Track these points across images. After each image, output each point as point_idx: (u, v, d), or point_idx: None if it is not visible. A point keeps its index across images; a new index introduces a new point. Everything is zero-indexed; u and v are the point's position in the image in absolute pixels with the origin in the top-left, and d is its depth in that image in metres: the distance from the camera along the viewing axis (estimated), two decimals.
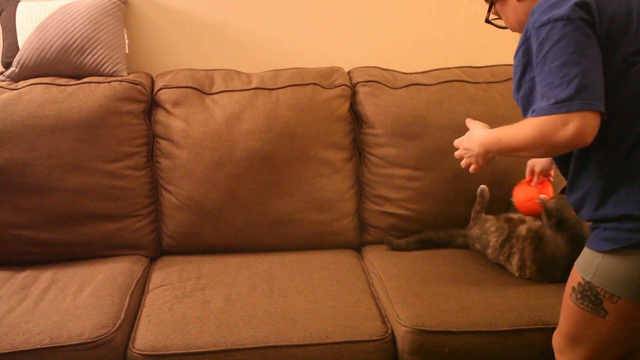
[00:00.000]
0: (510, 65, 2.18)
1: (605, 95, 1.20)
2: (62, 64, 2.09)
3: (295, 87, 2.09)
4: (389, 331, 1.64)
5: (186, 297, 1.76)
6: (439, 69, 2.23)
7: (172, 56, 2.32)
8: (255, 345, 1.57)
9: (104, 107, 1.99)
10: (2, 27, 2.18)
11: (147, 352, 1.57)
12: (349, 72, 2.22)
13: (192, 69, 2.18)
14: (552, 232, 1.75)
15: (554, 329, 1.47)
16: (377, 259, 1.99)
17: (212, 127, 2.03)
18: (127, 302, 1.73)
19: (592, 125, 1.18)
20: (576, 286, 1.32)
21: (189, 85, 2.09)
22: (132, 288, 1.81)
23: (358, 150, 2.17)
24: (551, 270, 1.76)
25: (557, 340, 1.44)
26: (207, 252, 2.07)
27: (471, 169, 1.50)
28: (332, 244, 2.12)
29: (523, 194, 1.80)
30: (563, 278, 1.70)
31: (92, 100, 1.99)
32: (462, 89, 2.13)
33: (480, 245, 1.94)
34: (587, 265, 1.30)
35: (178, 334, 1.59)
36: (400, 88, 2.13)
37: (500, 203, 2.02)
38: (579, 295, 1.31)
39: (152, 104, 2.10)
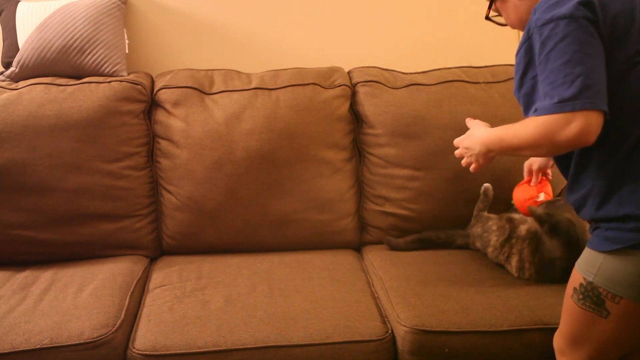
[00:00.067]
0: (511, 65, 2.18)
1: (607, 94, 1.20)
2: (62, 64, 2.09)
3: (295, 87, 2.09)
4: (389, 331, 1.64)
5: (186, 297, 1.76)
6: (439, 69, 2.23)
7: (172, 56, 2.32)
8: (255, 345, 1.57)
9: (104, 107, 1.99)
10: (2, 27, 2.18)
11: (147, 352, 1.57)
12: (349, 72, 2.22)
13: (192, 69, 2.18)
14: (547, 236, 1.76)
15: (554, 329, 1.47)
16: (377, 259, 1.99)
17: (212, 127, 2.03)
18: (127, 302, 1.73)
19: (595, 124, 1.17)
20: (578, 287, 1.31)
21: (189, 85, 2.09)
22: (132, 288, 1.81)
23: (358, 150, 2.17)
24: (549, 272, 1.76)
25: (558, 341, 1.43)
26: (207, 252, 2.07)
27: (471, 168, 1.49)
28: (332, 244, 2.12)
29: (523, 194, 1.81)
30: (563, 279, 1.71)
31: (92, 100, 1.99)
32: (462, 89, 2.13)
33: (480, 244, 1.94)
34: (589, 265, 1.29)
35: (178, 334, 1.59)
36: (400, 88, 2.13)
37: (501, 203, 2.02)
38: (581, 296, 1.30)
39: (152, 104, 2.10)
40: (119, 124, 2.02)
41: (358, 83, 2.14)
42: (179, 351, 1.56)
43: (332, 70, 2.19)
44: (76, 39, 2.08)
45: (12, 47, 2.14)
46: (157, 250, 2.12)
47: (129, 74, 2.14)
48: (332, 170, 2.10)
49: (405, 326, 1.61)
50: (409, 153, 2.08)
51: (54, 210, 1.97)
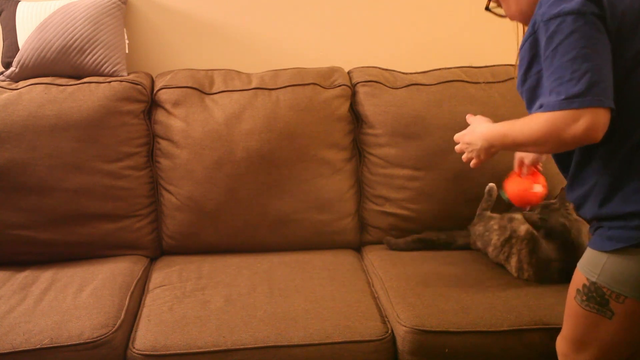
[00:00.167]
0: (511, 65, 2.19)
1: (613, 91, 1.18)
2: (62, 64, 2.09)
3: (295, 87, 2.09)
4: (389, 331, 1.64)
5: (186, 297, 1.76)
6: (439, 69, 2.23)
7: (172, 56, 2.32)
8: (255, 345, 1.57)
9: (104, 107, 1.99)
10: (2, 27, 2.18)
11: (147, 352, 1.57)
12: (349, 72, 2.22)
13: (192, 69, 2.18)
14: (543, 239, 1.76)
15: (554, 329, 1.46)
16: (377, 259, 1.99)
17: (212, 127, 2.03)
18: (127, 302, 1.73)
19: (603, 121, 1.16)
20: (581, 288, 1.30)
21: (189, 85, 2.09)
22: (132, 288, 1.81)
23: (358, 150, 2.17)
24: (546, 273, 1.76)
25: (561, 345, 1.41)
26: (207, 252, 2.07)
27: (472, 163, 1.48)
28: (332, 244, 2.12)
29: (516, 186, 1.80)
30: (560, 280, 1.71)
31: (92, 100, 1.99)
32: (462, 89, 2.13)
33: (481, 243, 1.94)
34: (592, 265, 1.28)
35: (178, 334, 1.59)
36: (400, 88, 2.13)
37: (502, 203, 2.02)
38: (584, 297, 1.29)
39: (152, 104, 2.10)
40: (119, 124, 2.02)
41: (358, 83, 2.14)
42: (179, 351, 1.56)
43: (332, 70, 2.19)
44: (76, 39, 2.08)
45: (12, 47, 2.14)
46: (157, 250, 2.12)
47: (129, 74, 2.14)
48: (332, 170, 2.10)
49: (405, 326, 1.61)
50: (409, 153, 2.09)
51: (54, 210, 1.97)
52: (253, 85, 2.11)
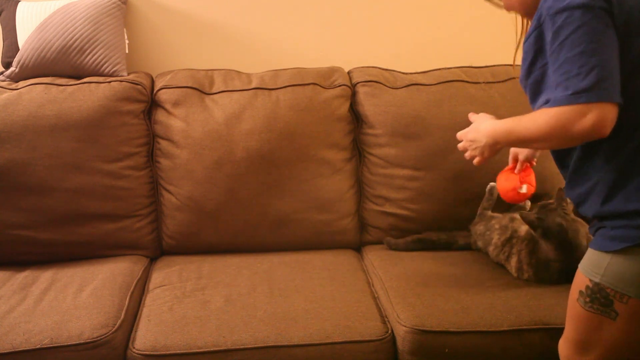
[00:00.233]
0: (511, 65, 2.18)
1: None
2: (62, 64, 2.09)
3: (295, 87, 2.09)
4: (389, 331, 1.64)
5: (186, 297, 1.76)
6: (439, 69, 2.23)
7: (172, 56, 2.32)
8: (255, 345, 1.57)
9: (104, 107, 1.99)
10: (2, 27, 2.18)
11: (147, 352, 1.57)
12: (349, 72, 2.22)
13: (192, 69, 2.18)
14: (542, 240, 1.76)
15: (554, 329, 1.46)
16: (377, 259, 1.99)
17: (212, 127, 2.03)
18: (127, 302, 1.73)
19: (610, 116, 1.15)
20: (584, 289, 1.28)
21: (189, 85, 2.09)
22: (132, 288, 1.81)
23: (358, 150, 2.17)
24: (546, 274, 1.76)
25: (564, 349, 1.39)
26: (207, 252, 2.07)
27: (475, 161, 1.47)
28: (332, 244, 2.12)
29: (506, 183, 1.81)
30: (559, 281, 1.71)
31: (92, 100, 1.99)
32: (462, 89, 2.13)
33: (482, 243, 1.94)
34: (595, 266, 1.26)
35: (178, 334, 1.59)
36: (400, 88, 2.13)
37: (503, 203, 2.02)
38: (588, 299, 1.27)
39: (152, 104, 2.10)
40: (119, 124, 2.02)
41: (358, 83, 2.14)
42: (179, 351, 1.56)
43: (332, 70, 2.19)
44: (76, 39, 2.08)
45: (12, 47, 2.14)
46: (157, 250, 2.12)
47: (129, 74, 2.14)
48: (332, 170, 2.10)
49: (405, 326, 1.61)
50: (409, 153, 2.09)
51: (54, 210, 1.97)
52: (253, 85, 2.11)
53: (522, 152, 1.75)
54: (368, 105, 2.11)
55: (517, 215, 1.91)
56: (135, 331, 1.65)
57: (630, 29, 1.20)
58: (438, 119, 2.08)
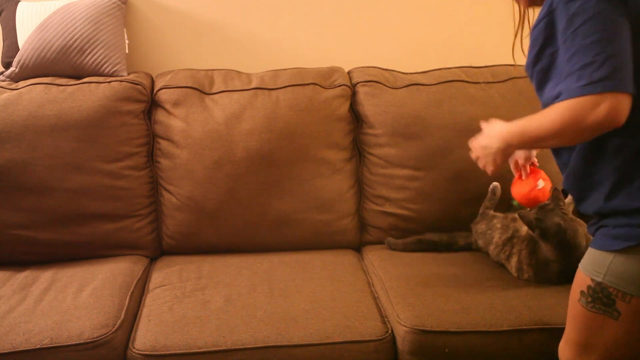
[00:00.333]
0: (511, 65, 2.18)
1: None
2: (62, 64, 2.09)
3: (295, 87, 2.09)
4: (389, 331, 1.64)
5: (186, 297, 1.76)
6: (439, 69, 2.23)
7: (172, 56, 2.32)
8: (255, 345, 1.57)
9: (104, 107, 1.99)
10: (2, 27, 2.18)
11: (147, 352, 1.57)
12: (349, 72, 2.22)
13: (192, 69, 2.18)
14: (541, 240, 1.76)
15: (554, 329, 1.46)
16: (377, 259, 1.99)
17: (212, 127, 2.03)
18: (127, 302, 1.73)
19: (624, 106, 1.13)
20: (585, 290, 1.27)
21: (189, 85, 2.09)
22: (132, 288, 1.81)
23: (358, 150, 2.17)
24: (546, 274, 1.76)
25: (565, 351, 1.37)
26: (207, 252, 2.07)
27: (489, 170, 1.45)
28: (332, 244, 2.12)
29: (522, 189, 1.80)
30: (559, 281, 1.71)
31: (92, 100, 2.00)
32: (462, 89, 2.13)
33: (483, 242, 1.94)
34: (597, 266, 1.25)
35: (178, 334, 1.59)
36: (400, 88, 2.13)
37: (502, 203, 2.02)
38: (589, 299, 1.26)
39: (152, 104, 2.10)
40: (119, 124, 2.02)
41: (358, 83, 2.14)
42: (179, 351, 1.56)
43: (332, 70, 2.19)
44: (76, 39, 2.08)
45: (12, 47, 2.14)
46: (157, 250, 2.12)
47: (129, 74, 2.14)
48: (332, 170, 2.10)
49: (405, 326, 1.61)
50: (409, 153, 2.09)
51: (54, 210, 1.97)
52: (253, 85, 2.11)
53: (520, 157, 1.74)
54: (368, 105, 2.11)
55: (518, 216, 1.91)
56: (135, 331, 1.65)
57: None
58: (438, 119, 2.08)
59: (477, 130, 2.04)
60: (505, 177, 2.02)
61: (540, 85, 1.29)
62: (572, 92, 1.15)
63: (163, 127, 2.07)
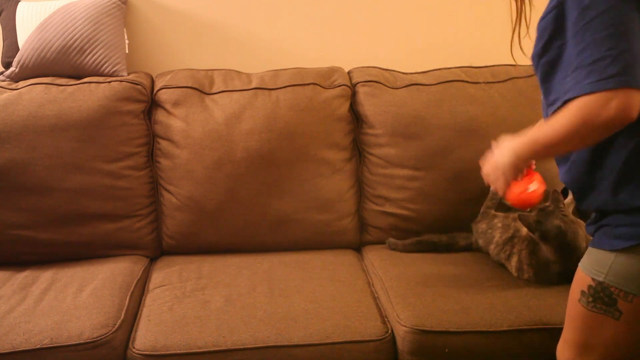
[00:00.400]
0: (511, 65, 2.19)
1: None
2: (62, 64, 2.09)
3: (295, 87, 2.09)
4: (389, 331, 1.64)
5: (186, 297, 1.76)
6: (439, 69, 2.23)
7: (172, 56, 2.32)
8: (255, 345, 1.57)
9: (104, 107, 1.99)
10: (2, 27, 2.18)
11: (147, 352, 1.57)
12: (349, 72, 2.22)
13: (192, 69, 2.18)
14: (541, 241, 1.76)
15: (554, 329, 1.46)
16: (377, 259, 1.99)
17: (212, 127, 2.03)
18: (127, 302, 1.73)
19: (636, 102, 1.10)
20: (586, 289, 1.26)
21: (189, 85, 2.09)
22: (132, 288, 1.81)
23: (358, 150, 2.17)
24: (546, 275, 1.76)
25: (564, 352, 1.36)
26: (207, 252, 2.07)
27: (500, 189, 1.37)
28: (332, 244, 2.12)
29: (513, 191, 1.79)
30: (559, 282, 1.71)
31: (92, 100, 2.00)
32: (462, 89, 2.13)
33: (483, 241, 1.94)
34: (598, 265, 1.24)
35: (178, 334, 1.59)
36: (400, 88, 2.13)
37: (503, 203, 2.01)
38: (590, 299, 1.25)
39: (152, 104, 2.10)
40: (119, 124, 2.02)
41: (358, 83, 2.14)
42: (179, 351, 1.56)
43: (332, 70, 2.19)
44: (76, 39, 2.08)
45: (12, 47, 2.14)
46: (157, 250, 2.12)
47: (129, 74, 2.14)
48: (332, 170, 2.10)
49: (405, 326, 1.61)
50: (409, 153, 2.09)
51: (54, 210, 1.97)
52: (253, 85, 2.11)
53: None
54: (368, 105, 2.11)
55: None
56: (135, 331, 1.65)
57: None
58: (438, 119, 2.08)
59: (477, 130, 2.07)
60: None
61: (546, 77, 1.27)
62: (582, 88, 1.12)
63: (163, 127, 2.07)
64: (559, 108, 1.20)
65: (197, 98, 2.08)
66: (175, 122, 2.06)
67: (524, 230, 1.83)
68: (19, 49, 2.11)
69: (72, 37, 2.08)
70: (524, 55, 1.45)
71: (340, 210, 2.11)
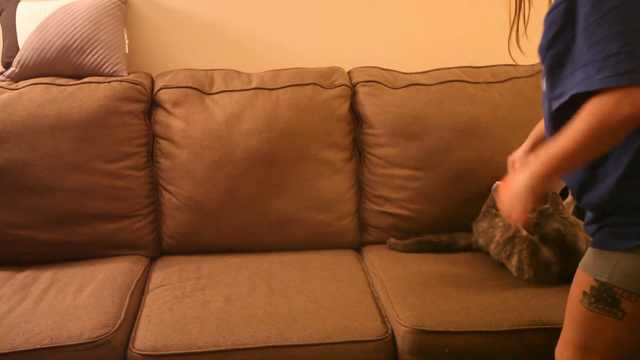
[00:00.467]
0: (510, 65, 2.19)
1: None
2: (62, 64, 2.09)
3: (295, 87, 2.09)
4: (389, 331, 1.64)
5: (186, 297, 1.76)
6: (439, 69, 2.23)
7: (172, 56, 2.32)
8: (255, 345, 1.57)
9: (104, 107, 1.99)
10: (2, 27, 2.18)
11: (147, 352, 1.57)
12: (349, 72, 2.22)
13: (192, 69, 2.18)
14: (541, 244, 1.76)
15: (554, 329, 1.45)
16: (377, 259, 1.99)
17: (212, 127, 2.03)
18: (127, 302, 1.73)
19: None
20: (588, 290, 1.24)
21: (189, 85, 2.09)
22: (132, 288, 1.81)
23: (358, 150, 2.17)
24: (546, 275, 1.76)
25: (563, 353, 1.34)
26: (207, 252, 2.07)
27: (520, 220, 1.31)
28: (332, 244, 2.12)
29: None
30: (559, 282, 1.71)
31: (92, 100, 2.00)
32: (462, 89, 2.13)
33: (483, 240, 1.94)
34: (600, 265, 1.23)
35: (178, 334, 1.59)
36: (400, 88, 2.13)
37: None
38: (593, 299, 1.23)
39: (152, 104, 2.10)
40: (119, 124, 2.02)
41: (358, 83, 2.14)
42: (179, 351, 1.56)
43: (332, 70, 2.19)
44: (76, 39, 2.08)
45: (12, 47, 2.14)
46: (157, 250, 2.12)
47: (129, 74, 2.14)
48: (332, 170, 2.10)
49: (405, 326, 1.61)
50: (409, 153, 2.08)
51: (54, 210, 1.97)
52: (253, 85, 2.11)
53: (517, 160, 1.71)
54: (368, 105, 2.11)
55: None
56: (135, 331, 1.65)
57: None
58: (438, 119, 2.08)
59: (477, 130, 2.07)
60: (503, 176, 2.02)
61: (552, 71, 1.24)
62: (593, 83, 1.10)
63: (163, 127, 2.07)
64: (565, 102, 1.19)
65: (197, 98, 2.08)
66: (175, 122, 2.06)
67: (525, 231, 1.83)
68: (19, 49, 2.11)
69: (72, 37, 2.08)
70: (521, 52, 1.44)
71: (340, 210, 2.11)
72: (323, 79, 2.14)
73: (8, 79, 2.13)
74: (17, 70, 2.11)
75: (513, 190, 1.30)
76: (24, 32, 2.11)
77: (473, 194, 2.05)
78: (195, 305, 1.71)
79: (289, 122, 2.04)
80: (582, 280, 1.27)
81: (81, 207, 1.99)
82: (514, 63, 1.52)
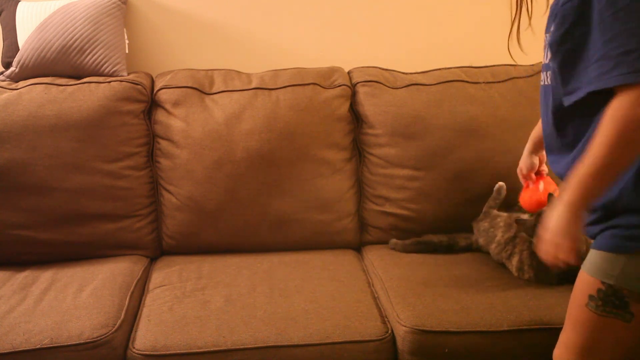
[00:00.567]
0: (510, 65, 2.19)
1: None
2: (62, 64, 2.09)
3: (295, 87, 2.09)
4: (389, 331, 1.64)
5: (186, 297, 1.76)
6: (439, 69, 2.23)
7: (172, 56, 2.32)
8: (255, 345, 1.57)
9: (104, 107, 1.99)
10: (2, 27, 2.18)
11: (147, 352, 1.57)
12: (349, 72, 2.22)
13: (192, 69, 2.18)
14: None
15: (554, 329, 1.45)
16: (377, 259, 1.99)
17: (212, 127, 2.03)
18: (127, 302, 1.73)
19: None
20: (595, 293, 1.22)
21: (189, 85, 2.09)
22: (132, 288, 1.81)
23: (358, 150, 2.17)
24: (546, 276, 1.76)
25: (563, 356, 1.33)
26: (207, 252, 2.07)
27: (572, 258, 1.22)
28: (332, 244, 2.12)
29: (526, 195, 1.81)
30: (559, 283, 1.71)
31: (92, 100, 2.00)
32: (462, 89, 2.13)
33: (484, 240, 1.94)
34: (608, 268, 1.21)
35: (178, 334, 1.59)
36: (400, 88, 2.13)
37: (506, 203, 2.01)
38: (600, 302, 1.21)
39: (152, 104, 2.10)
40: (119, 124, 2.02)
41: (358, 83, 2.14)
42: (179, 351, 1.56)
43: (332, 70, 2.19)
44: (76, 39, 2.08)
45: (12, 47, 2.14)
46: (157, 250, 2.12)
47: (129, 74, 2.14)
48: (332, 170, 2.10)
49: (405, 326, 1.61)
50: (409, 153, 2.08)
51: (54, 210, 1.97)
52: (253, 85, 2.11)
53: (524, 167, 1.71)
54: (368, 105, 2.11)
55: (523, 216, 1.90)
56: (135, 331, 1.65)
57: None
58: (438, 119, 2.08)
59: (477, 130, 2.07)
60: (503, 178, 2.02)
61: (565, 65, 1.21)
62: (611, 80, 1.08)
63: (163, 127, 2.07)
64: (581, 98, 1.17)
65: (197, 98, 2.08)
66: (175, 122, 2.06)
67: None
68: (19, 49, 2.11)
69: (72, 37, 2.08)
70: (521, 50, 1.44)
71: (340, 210, 2.11)
72: (323, 79, 2.14)
73: (8, 79, 2.13)
74: (17, 70, 2.11)
75: (551, 230, 1.23)
76: (24, 32, 2.11)
77: (473, 194, 2.05)
78: (195, 305, 1.71)
79: (289, 122, 2.04)
80: (587, 284, 1.24)
81: (81, 207, 1.99)
82: (514, 63, 1.52)
